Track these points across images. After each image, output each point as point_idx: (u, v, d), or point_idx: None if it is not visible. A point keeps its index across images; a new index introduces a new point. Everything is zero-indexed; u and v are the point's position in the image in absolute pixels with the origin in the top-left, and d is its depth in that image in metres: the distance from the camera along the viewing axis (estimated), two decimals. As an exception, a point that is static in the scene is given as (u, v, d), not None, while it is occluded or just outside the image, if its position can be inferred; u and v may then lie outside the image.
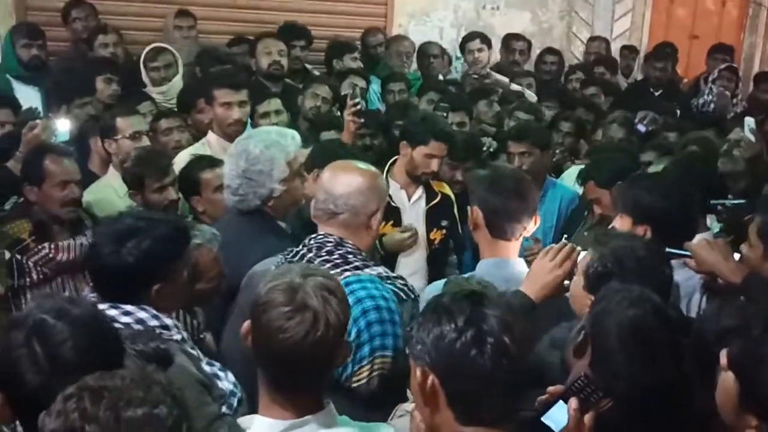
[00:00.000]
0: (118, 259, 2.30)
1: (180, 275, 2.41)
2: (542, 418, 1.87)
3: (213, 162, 3.84)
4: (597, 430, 1.85)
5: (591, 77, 6.94)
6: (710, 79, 6.75)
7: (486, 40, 6.82)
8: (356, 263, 2.57)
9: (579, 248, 2.63)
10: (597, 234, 2.64)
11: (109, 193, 4.01)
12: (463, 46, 6.92)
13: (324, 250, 2.58)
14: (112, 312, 2.29)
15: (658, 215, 2.89)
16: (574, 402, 1.84)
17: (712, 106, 6.53)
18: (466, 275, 2.85)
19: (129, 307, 2.30)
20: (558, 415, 1.87)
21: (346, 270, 2.54)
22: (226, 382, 2.39)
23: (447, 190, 4.26)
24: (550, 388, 1.91)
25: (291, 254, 2.65)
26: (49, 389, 1.61)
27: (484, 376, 1.63)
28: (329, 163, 3.39)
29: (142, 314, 2.30)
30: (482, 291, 1.74)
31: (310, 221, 2.73)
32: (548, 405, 1.89)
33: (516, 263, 2.88)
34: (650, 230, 2.86)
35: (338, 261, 2.56)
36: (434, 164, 4.07)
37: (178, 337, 2.33)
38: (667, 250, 2.75)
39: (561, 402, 1.87)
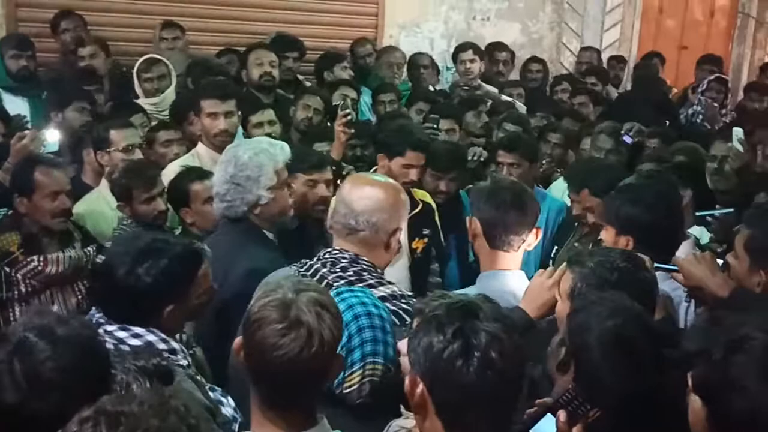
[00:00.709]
0: (134, 279, 2.28)
1: (191, 297, 2.40)
2: (530, 431, 1.88)
3: (202, 174, 3.83)
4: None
5: (580, 86, 6.97)
6: (699, 90, 6.78)
7: (478, 51, 6.89)
8: (371, 281, 2.55)
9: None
10: (571, 255, 2.61)
11: (102, 205, 3.99)
12: (455, 57, 6.96)
13: (338, 266, 2.56)
14: (121, 334, 2.27)
15: (640, 226, 2.88)
16: (562, 415, 1.85)
17: (701, 117, 6.57)
18: (463, 291, 2.84)
19: (138, 330, 2.28)
20: (546, 427, 1.87)
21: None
22: (228, 408, 2.36)
23: (428, 198, 4.24)
24: (539, 401, 1.91)
25: (304, 267, 2.62)
26: (27, 408, 1.60)
27: (468, 387, 1.63)
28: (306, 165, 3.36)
29: (150, 337, 2.28)
30: (477, 303, 1.74)
31: (286, 229, 2.67)
32: (536, 418, 1.89)
33: (515, 275, 2.87)
34: (633, 241, 2.85)
35: (353, 278, 2.54)
36: (413, 174, 4.03)
37: (184, 362, 2.31)
38: (655, 265, 2.74)
39: (549, 415, 1.88)
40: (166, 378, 1.94)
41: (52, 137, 4.03)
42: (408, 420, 2.16)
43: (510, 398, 1.71)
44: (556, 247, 4.24)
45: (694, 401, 1.75)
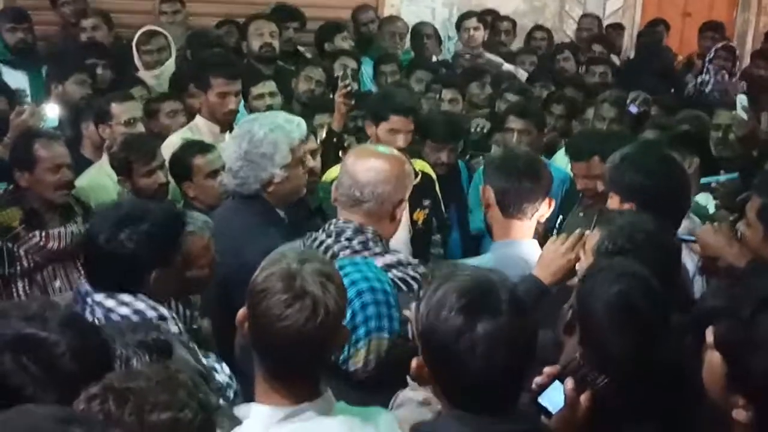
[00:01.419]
0: (116, 245, 2.28)
1: (176, 261, 2.40)
2: (539, 399, 1.88)
3: (205, 147, 3.81)
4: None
5: (598, 56, 6.88)
6: (707, 58, 6.68)
7: (482, 20, 6.84)
8: (376, 249, 2.55)
9: (588, 232, 2.63)
10: (602, 213, 2.63)
11: (104, 178, 3.97)
12: (459, 25, 6.90)
13: (344, 236, 2.55)
14: (109, 302, 2.27)
15: (642, 192, 2.86)
16: (570, 382, 1.85)
17: (710, 86, 6.48)
18: (475, 262, 2.82)
19: (125, 297, 2.28)
20: (554, 396, 1.87)
21: (365, 257, 2.51)
22: (223, 374, 2.36)
23: (427, 169, 4.20)
24: (546, 369, 1.91)
25: (311, 239, 2.61)
26: (43, 399, 1.55)
27: (472, 372, 1.67)
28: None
29: (139, 305, 2.28)
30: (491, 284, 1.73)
31: (311, 211, 2.65)
32: (544, 386, 1.89)
33: (528, 244, 2.89)
34: (635, 208, 2.83)
35: (358, 247, 2.54)
36: (400, 140, 3.93)
37: (174, 329, 2.30)
38: (678, 238, 2.77)
39: (557, 382, 1.87)
40: (166, 351, 1.93)
41: (52, 112, 4.01)
42: (416, 392, 2.16)
43: (516, 377, 1.73)
44: (561, 217, 4.22)
45: (713, 357, 1.74)
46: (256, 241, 2.84)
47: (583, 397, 1.85)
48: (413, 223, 4.08)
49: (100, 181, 3.97)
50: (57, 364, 1.59)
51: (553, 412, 1.87)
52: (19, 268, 3.38)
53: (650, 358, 1.98)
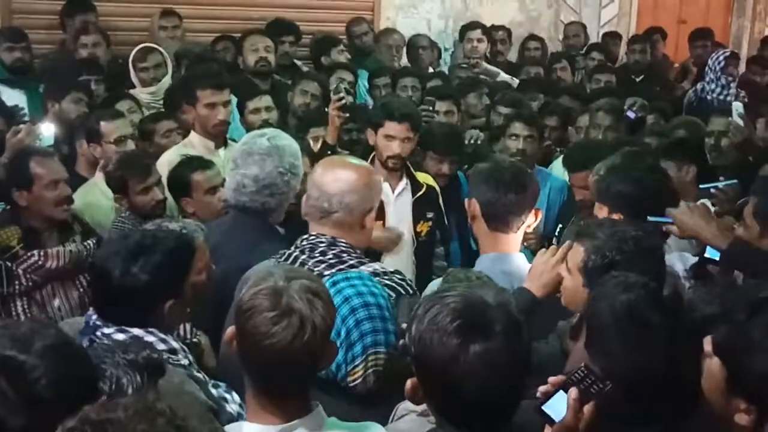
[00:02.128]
0: (131, 279, 2.22)
1: (187, 287, 2.35)
2: (542, 407, 1.88)
3: (205, 163, 3.82)
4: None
5: (601, 65, 6.90)
6: (717, 67, 6.53)
7: (486, 32, 6.94)
8: (351, 262, 2.54)
9: (569, 242, 2.61)
10: (578, 228, 2.61)
11: (97, 195, 3.97)
12: (462, 34, 6.98)
13: (317, 251, 2.54)
14: (119, 336, 2.22)
15: (630, 201, 2.87)
16: (574, 392, 1.85)
17: (724, 94, 6.42)
18: (464, 270, 2.82)
19: (137, 332, 2.23)
20: (558, 404, 1.87)
21: (342, 270, 2.50)
22: (233, 404, 2.33)
23: (431, 181, 4.22)
24: (551, 379, 1.91)
25: (283, 257, 2.60)
26: (15, 423, 1.55)
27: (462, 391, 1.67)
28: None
29: (150, 338, 2.23)
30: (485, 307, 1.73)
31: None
32: (548, 395, 1.89)
33: (516, 257, 2.86)
34: (624, 218, 2.82)
35: (333, 261, 2.53)
36: (395, 146, 3.96)
37: (185, 362, 2.28)
38: (649, 218, 2.80)
39: (561, 392, 1.87)
40: (157, 370, 1.91)
41: (47, 131, 4.01)
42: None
43: (511, 395, 1.74)
44: (560, 226, 4.23)
45: (712, 364, 1.76)
46: (256, 256, 2.83)
47: (587, 408, 1.85)
48: (417, 234, 4.09)
49: (93, 199, 3.96)
50: (32, 389, 1.58)
51: (557, 421, 1.87)
52: (17, 287, 3.36)
53: (655, 365, 1.99)
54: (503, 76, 6.60)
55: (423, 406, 2.16)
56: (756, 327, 1.68)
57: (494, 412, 1.71)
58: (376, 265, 2.61)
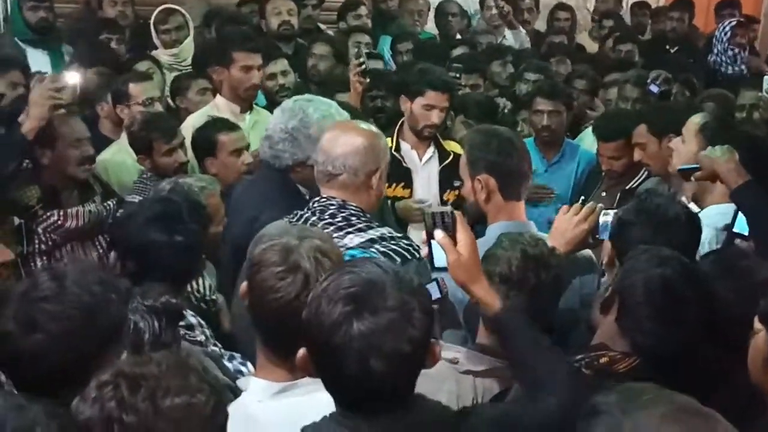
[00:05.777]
0: (173, 243, 2.32)
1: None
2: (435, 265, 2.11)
3: (231, 125, 3.84)
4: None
5: (627, 33, 6.78)
6: (724, 38, 6.40)
7: None
8: (359, 225, 2.57)
9: (601, 205, 2.73)
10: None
11: (123, 155, 3.99)
12: (482, 1, 6.89)
13: (327, 213, 2.58)
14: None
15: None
16: (438, 234, 2.00)
17: (729, 68, 6.32)
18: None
19: None
20: (438, 253, 2.05)
21: (350, 233, 2.53)
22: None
23: (459, 149, 4.14)
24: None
25: (296, 218, 2.64)
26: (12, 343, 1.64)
27: None
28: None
29: None
30: None
31: None
32: (428, 256, 2.12)
33: (531, 224, 2.86)
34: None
35: (341, 224, 2.56)
36: (434, 116, 3.96)
37: (201, 338, 2.32)
38: (678, 168, 3.17)
39: (432, 242, 2.05)
40: (175, 316, 1.93)
41: (73, 79, 3.97)
42: (446, 351, 2.16)
43: (396, 381, 1.61)
44: (582, 198, 4.19)
45: (758, 339, 1.76)
46: (268, 213, 2.85)
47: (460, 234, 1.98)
48: (444, 203, 4.06)
49: (121, 157, 3.99)
50: (33, 308, 1.69)
51: (445, 264, 2.01)
52: (37, 246, 3.37)
53: (687, 340, 2.01)
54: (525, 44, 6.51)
55: (453, 353, 2.22)
56: None
57: (378, 394, 1.59)
58: (384, 230, 2.63)
